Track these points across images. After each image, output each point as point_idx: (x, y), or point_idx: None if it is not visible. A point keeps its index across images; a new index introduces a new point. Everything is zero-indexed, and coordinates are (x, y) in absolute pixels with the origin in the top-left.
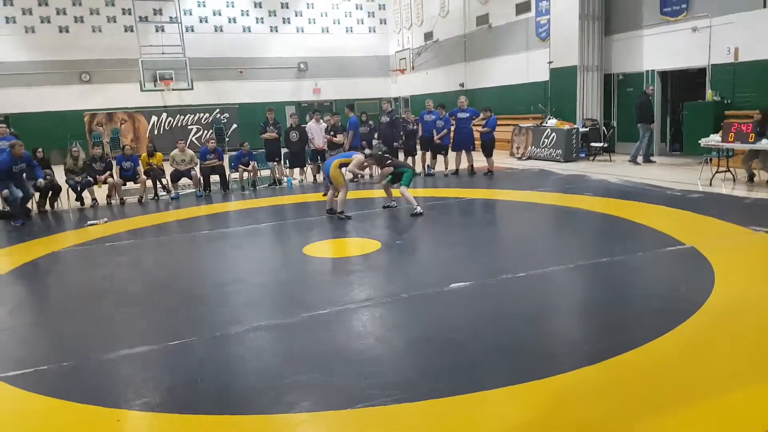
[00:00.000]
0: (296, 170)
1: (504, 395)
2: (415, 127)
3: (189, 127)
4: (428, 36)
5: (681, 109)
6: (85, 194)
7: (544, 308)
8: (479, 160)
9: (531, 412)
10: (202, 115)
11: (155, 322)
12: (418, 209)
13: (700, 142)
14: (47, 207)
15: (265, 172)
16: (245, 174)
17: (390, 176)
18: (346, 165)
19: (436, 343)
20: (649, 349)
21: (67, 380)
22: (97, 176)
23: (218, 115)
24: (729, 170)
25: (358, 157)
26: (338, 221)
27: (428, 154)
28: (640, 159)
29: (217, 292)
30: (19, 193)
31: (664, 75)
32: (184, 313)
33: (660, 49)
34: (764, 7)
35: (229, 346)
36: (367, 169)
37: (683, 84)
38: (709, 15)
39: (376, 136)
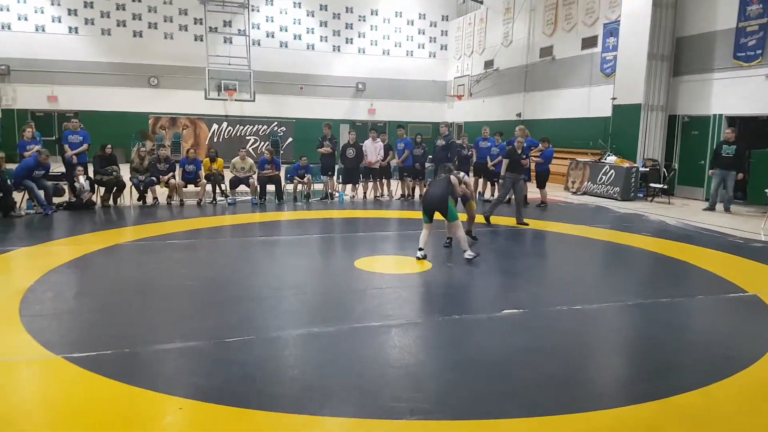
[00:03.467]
0: (349, 186)
1: (541, 425)
2: (469, 152)
3: (247, 137)
4: (489, 64)
5: (748, 157)
6: (147, 193)
7: (597, 343)
8: (533, 191)
9: None
10: (260, 126)
11: (207, 318)
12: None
13: (766, 190)
14: (110, 202)
15: (319, 186)
16: (299, 186)
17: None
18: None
19: (482, 367)
20: (703, 393)
21: (129, 365)
22: (161, 176)
23: (276, 127)
24: None
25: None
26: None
27: (481, 181)
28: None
29: (269, 296)
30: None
31: (732, 120)
32: (237, 312)
33: (730, 93)
34: None
35: (279, 348)
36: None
37: (752, 131)
38: None
39: (429, 158)
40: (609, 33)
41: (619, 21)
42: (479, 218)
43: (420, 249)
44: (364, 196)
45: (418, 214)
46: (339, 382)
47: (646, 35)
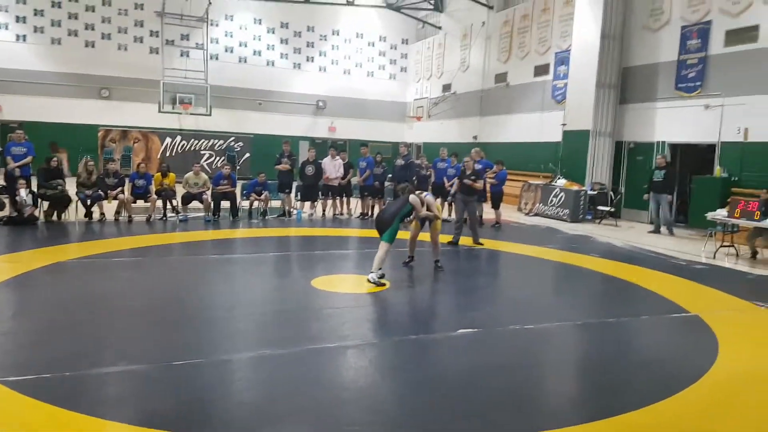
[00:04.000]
0: (307, 204)
1: None
2: (427, 172)
3: (202, 152)
4: (446, 87)
5: (689, 182)
6: (94, 208)
7: (549, 362)
8: (488, 212)
9: None
10: (216, 141)
11: (155, 339)
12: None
13: (707, 215)
14: (54, 217)
15: (276, 203)
16: (256, 202)
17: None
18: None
19: (439, 387)
20: (650, 411)
21: (70, 390)
22: (109, 191)
23: (232, 143)
24: (733, 245)
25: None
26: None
27: (438, 201)
28: (664, 229)
29: (221, 317)
30: None
31: (674, 147)
32: (186, 333)
33: (672, 122)
34: None
35: (230, 371)
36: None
37: (692, 158)
38: (722, 94)
39: (389, 177)
40: (560, 62)
41: (569, 50)
42: (444, 238)
43: (377, 269)
44: (323, 214)
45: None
46: (292, 406)
47: (595, 65)
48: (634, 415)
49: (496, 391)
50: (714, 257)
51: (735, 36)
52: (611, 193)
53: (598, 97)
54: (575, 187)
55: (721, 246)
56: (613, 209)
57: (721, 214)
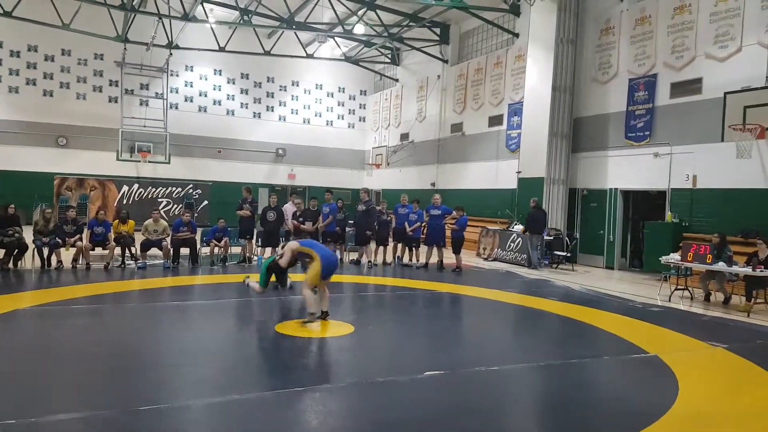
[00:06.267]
0: (268, 249)
1: None
2: (388, 218)
3: (159, 200)
4: (404, 136)
5: (642, 228)
6: (52, 256)
7: (514, 402)
8: (449, 257)
9: None
10: (174, 189)
11: (116, 386)
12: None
13: (660, 259)
14: (10, 265)
15: (236, 249)
16: (216, 249)
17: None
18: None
19: (406, 429)
20: None
21: None
22: (67, 239)
23: (191, 190)
24: (687, 288)
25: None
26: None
27: (399, 246)
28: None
29: (183, 363)
30: None
31: (626, 194)
32: (148, 380)
33: (623, 169)
34: (722, 140)
35: (193, 417)
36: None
37: (644, 204)
38: (670, 143)
39: (350, 222)
40: (513, 112)
41: (522, 102)
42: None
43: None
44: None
45: (341, 278)
46: None
47: (547, 115)
48: None
49: (464, 430)
50: (669, 300)
51: (680, 88)
52: (567, 238)
53: (551, 145)
54: None
55: (675, 289)
56: (569, 254)
57: (674, 258)
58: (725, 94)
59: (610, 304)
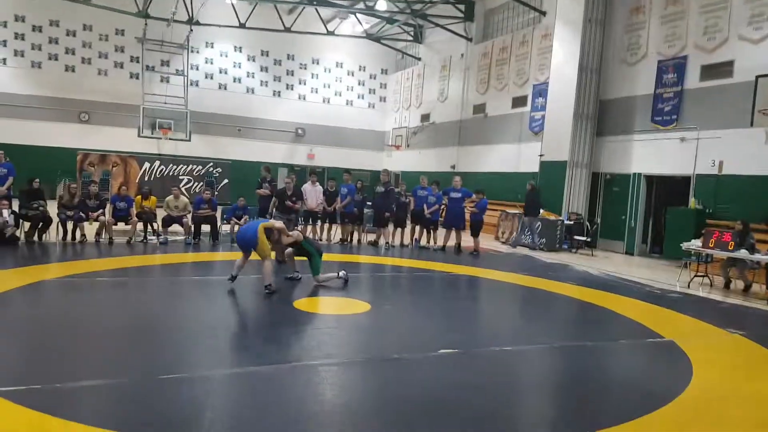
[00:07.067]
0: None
1: None
2: (407, 200)
3: (180, 177)
4: (425, 117)
5: (663, 214)
6: (75, 230)
7: (528, 381)
8: (467, 240)
9: None
10: (195, 166)
11: (138, 355)
12: (342, 273)
13: (682, 245)
14: (35, 238)
15: None
16: (236, 227)
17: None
18: (270, 230)
19: (421, 405)
20: (628, 428)
21: (60, 400)
22: (90, 213)
23: (211, 168)
24: (707, 275)
25: (279, 223)
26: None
27: (417, 228)
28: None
29: (203, 335)
30: None
31: (650, 179)
32: (169, 350)
33: (648, 154)
34: (751, 126)
35: (213, 387)
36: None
37: (667, 189)
38: (698, 128)
39: (368, 204)
40: (538, 93)
41: (547, 83)
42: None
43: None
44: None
45: (358, 258)
46: (275, 420)
47: (572, 97)
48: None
49: (477, 408)
50: (688, 286)
51: (710, 71)
52: (587, 223)
53: (575, 128)
54: (552, 217)
55: (695, 275)
56: (589, 239)
57: (695, 244)
58: (757, 77)
59: (628, 289)
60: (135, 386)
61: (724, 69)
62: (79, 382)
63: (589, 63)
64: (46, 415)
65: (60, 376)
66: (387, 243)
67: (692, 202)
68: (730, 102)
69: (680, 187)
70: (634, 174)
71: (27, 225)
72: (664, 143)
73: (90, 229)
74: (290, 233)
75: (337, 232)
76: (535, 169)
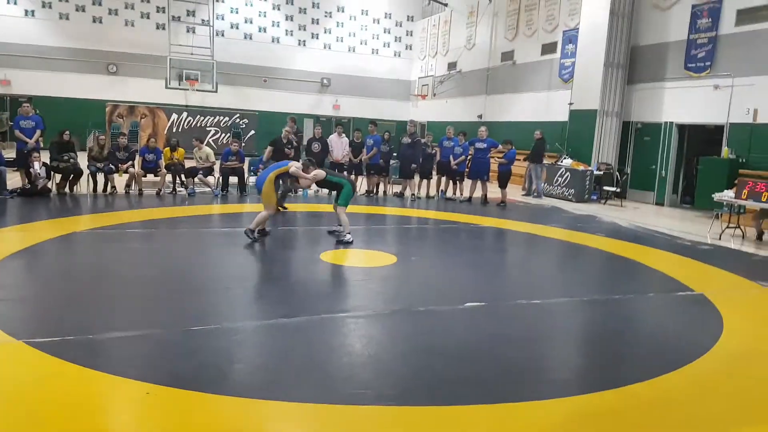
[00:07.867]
0: None
1: (504, 412)
2: (433, 151)
3: (208, 129)
4: (452, 66)
5: (695, 163)
6: (106, 181)
7: (555, 335)
8: (494, 191)
9: (528, 430)
10: (222, 118)
11: (170, 307)
12: (348, 237)
13: (713, 196)
14: (66, 190)
15: None
16: None
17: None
18: (282, 176)
19: (446, 356)
20: (656, 383)
21: (94, 351)
22: (120, 165)
23: (238, 119)
24: (739, 227)
25: (295, 163)
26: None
27: (443, 179)
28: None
29: (233, 286)
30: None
31: (682, 128)
32: (200, 301)
33: (680, 102)
34: None
35: (244, 337)
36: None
37: (699, 139)
38: (732, 75)
39: (395, 155)
40: (568, 40)
41: (578, 29)
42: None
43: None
44: (329, 192)
45: (383, 210)
46: (306, 369)
47: (603, 44)
48: (638, 387)
49: (502, 360)
50: (720, 238)
51: (747, 15)
52: (617, 173)
53: (606, 76)
54: (581, 167)
55: (727, 227)
56: (618, 190)
57: (728, 195)
58: None
59: (657, 241)
60: (166, 337)
61: (761, 13)
62: (112, 333)
63: (621, 8)
64: (79, 366)
65: (93, 327)
66: (413, 194)
67: (725, 151)
68: (766, 47)
69: (713, 135)
70: (666, 123)
71: (58, 177)
72: (696, 91)
73: (120, 180)
74: (307, 175)
75: (363, 184)
76: (565, 118)
